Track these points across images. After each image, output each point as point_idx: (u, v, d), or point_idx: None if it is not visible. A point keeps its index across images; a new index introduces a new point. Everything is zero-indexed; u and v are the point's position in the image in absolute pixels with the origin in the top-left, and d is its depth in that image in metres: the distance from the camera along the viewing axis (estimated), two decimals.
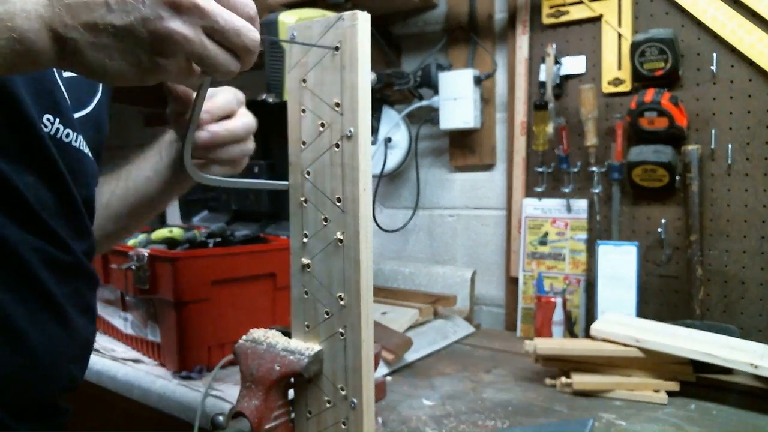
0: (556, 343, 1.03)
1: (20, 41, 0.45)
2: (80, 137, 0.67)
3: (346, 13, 0.56)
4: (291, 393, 0.66)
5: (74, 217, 0.66)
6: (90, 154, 0.69)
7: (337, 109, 0.58)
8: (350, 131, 0.57)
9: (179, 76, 0.50)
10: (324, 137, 0.60)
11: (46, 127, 0.61)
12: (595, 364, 0.96)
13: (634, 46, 1.17)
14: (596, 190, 1.26)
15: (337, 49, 0.57)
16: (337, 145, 0.58)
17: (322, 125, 0.60)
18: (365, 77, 0.57)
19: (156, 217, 1.61)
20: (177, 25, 0.46)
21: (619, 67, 1.24)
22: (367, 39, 0.56)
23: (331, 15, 0.58)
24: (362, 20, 0.56)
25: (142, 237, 1.26)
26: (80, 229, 0.67)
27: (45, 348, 0.63)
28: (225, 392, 0.94)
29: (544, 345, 0.99)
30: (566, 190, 1.30)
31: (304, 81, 0.61)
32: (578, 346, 0.98)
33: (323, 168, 0.60)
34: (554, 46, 1.30)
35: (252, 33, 0.50)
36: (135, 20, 0.45)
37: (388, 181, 1.63)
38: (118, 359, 1.13)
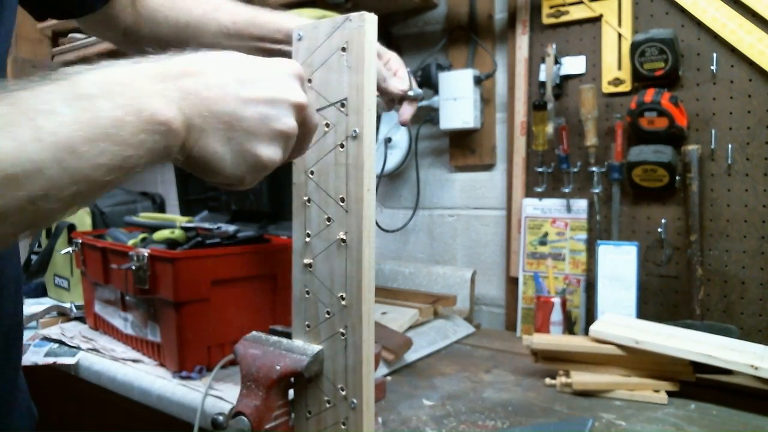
0: (553, 339, 1.03)
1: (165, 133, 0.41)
2: None
3: (354, 14, 0.56)
4: (291, 393, 0.66)
5: None
6: None
7: (342, 109, 0.58)
8: (355, 132, 0.57)
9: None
10: (329, 137, 0.60)
11: None
12: (594, 364, 0.96)
13: (634, 46, 1.17)
14: (596, 190, 1.26)
15: (344, 50, 0.57)
16: (342, 146, 0.58)
17: (327, 125, 0.60)
18: (371, 78, 0.57)
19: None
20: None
21: (619, 67, 1.24)
22: (374, 40, 0.56)
23: (338, 16, 0.58)
24: (369, 21, 0.56)
25: (142, 237, 1.25)
26: None
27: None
28: (225, 392, 0.93)
29: (540, 340, 0.99)
30: (566, 190, 1.30)
31: (310, 81, 0.61)
32: (575, 343, 0.98)
33: (327, 168, 0.60)
34: (554, 46, 1.30)
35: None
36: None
37: (388, 181, 1.63)
38: (117, 359, 1.12)
